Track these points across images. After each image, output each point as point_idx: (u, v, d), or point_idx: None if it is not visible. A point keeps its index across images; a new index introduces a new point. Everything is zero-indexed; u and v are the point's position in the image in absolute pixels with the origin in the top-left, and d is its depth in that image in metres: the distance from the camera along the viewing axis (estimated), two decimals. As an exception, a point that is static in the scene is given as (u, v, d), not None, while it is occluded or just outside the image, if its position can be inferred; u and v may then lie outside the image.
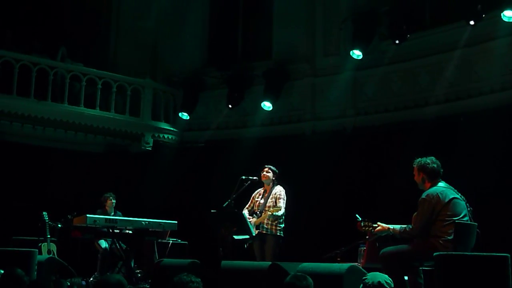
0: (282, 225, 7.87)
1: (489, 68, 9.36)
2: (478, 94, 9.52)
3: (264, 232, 7.79)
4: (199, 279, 3.62)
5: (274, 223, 7.80)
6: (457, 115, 9.51)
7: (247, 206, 8.12)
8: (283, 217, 7.84)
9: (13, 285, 4.45)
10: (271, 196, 7.93)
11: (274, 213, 7.64)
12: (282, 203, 7.80)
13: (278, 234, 7.83)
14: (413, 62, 10.36)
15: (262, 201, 8.00)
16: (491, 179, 8.48)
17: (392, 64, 10.55)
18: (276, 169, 8.07)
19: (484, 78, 9.49)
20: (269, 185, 8.01)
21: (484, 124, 8.88)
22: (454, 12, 9.63)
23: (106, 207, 9.73)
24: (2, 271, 5.06)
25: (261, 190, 8.14)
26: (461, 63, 9.71)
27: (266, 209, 7.80)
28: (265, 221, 7.78)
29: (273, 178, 8.01)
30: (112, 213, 9.64)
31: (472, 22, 8.98)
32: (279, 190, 7.95)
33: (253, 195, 8.17)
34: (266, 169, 8.01)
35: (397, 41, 9.95)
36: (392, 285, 4.15)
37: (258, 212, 7.91)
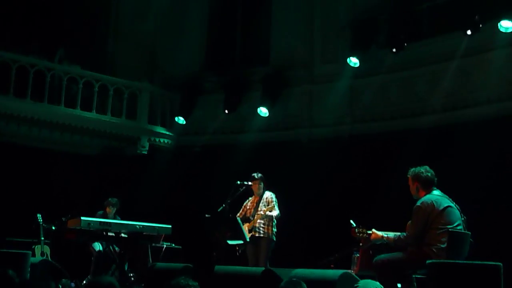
0: (275, 230, 7.90)
1: (486, 79, 9.39)
2: (474, 105, 9.55)
3: (257, 235, 7.81)
4: (197, 283, 3.58)
5: (270, 225, 7.82)
6: (454, 125, 9.53)
7: (238, 214, 8.12)
8: (275, 220, 7.85)
9: (4, 286, 4.43)
10: (262, 201, 7.99)
11: (267, 213, 7.67)
12: (275, 204, 7.85)
13: (271, 237, 7.86)
14: (410, 71, 10.39)
15: (253, 207, 8.03)
16: (485, 189, 8.50)
17: (389, 73, 10.59)
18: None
19: (481, 89, 9.51)
20: (259, 193, 8.08)
21: (480, 134, 8.89)
22: (451, 22, 9.65)
23: (107, 212, 9.65)
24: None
25: (251, 199, 8.19)
26: (458, 73, 9.74)
27: (259, 213, 7.82)
28: (259, 222, 7.79)
29: (263, 186, 8.06)
30: (112, 218, 9.57)
31: (469, 32, 9.02)
32: (269, 194, 8.03)
33: (245, 203, 8.22)
34: (257, 180, 8.01)
35: (394, 50, 9.98)
36: (384, 293, 4.15)
37: (250, 218, 7.95)
